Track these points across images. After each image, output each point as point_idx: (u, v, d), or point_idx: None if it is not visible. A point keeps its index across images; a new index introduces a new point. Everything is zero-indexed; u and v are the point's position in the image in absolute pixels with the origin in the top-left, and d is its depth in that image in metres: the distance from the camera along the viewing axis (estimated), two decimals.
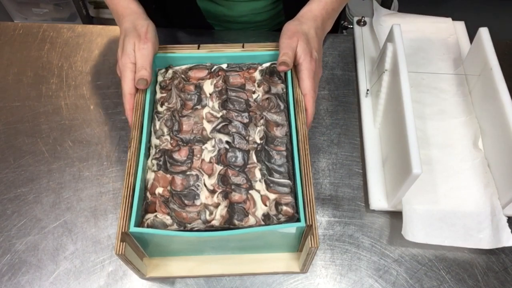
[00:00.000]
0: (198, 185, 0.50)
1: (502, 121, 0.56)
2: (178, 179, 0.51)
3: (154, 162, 0.52)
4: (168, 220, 0.48)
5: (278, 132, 0.54)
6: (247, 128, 0.54)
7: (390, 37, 0.62)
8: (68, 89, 0.70)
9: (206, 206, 0.49)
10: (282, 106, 0.56)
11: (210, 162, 0.52)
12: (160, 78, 0.59)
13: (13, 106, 0.68)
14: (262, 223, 0.48)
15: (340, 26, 0.83)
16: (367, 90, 0.68)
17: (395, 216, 0.59)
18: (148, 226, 0.47)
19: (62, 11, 1.69)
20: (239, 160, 0.52)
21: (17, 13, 1.70)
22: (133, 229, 0.45)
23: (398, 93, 0.56)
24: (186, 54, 0.59)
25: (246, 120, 0.55)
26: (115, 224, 0.58)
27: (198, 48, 0.59)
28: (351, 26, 0.78)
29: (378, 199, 0.59)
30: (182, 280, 0.54)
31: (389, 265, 0.55)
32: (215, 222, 0.48)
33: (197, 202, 0.49)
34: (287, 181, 0.50)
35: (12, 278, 0.54)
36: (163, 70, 0.59)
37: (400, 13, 0.80)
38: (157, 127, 0.54)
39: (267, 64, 0.59)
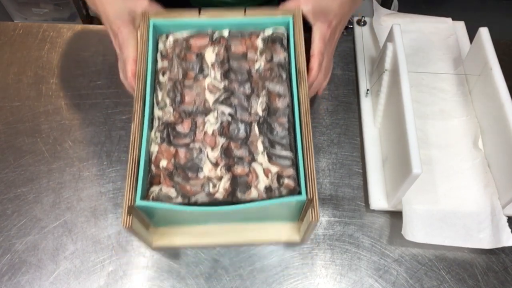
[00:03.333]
0: (201, 158, 0.51)
1: (502, 121, 0.56)
2: (182, 152, 0.51)
3: (158, 134, 0.52)
4: (172, 193, 0.49)
5: (280, 103, 0.54)
6: (250, 100, 0.54)
7: (390, 37, 0.62)
8: (68, 89, 0.70)
9: (209, 179, 0.50)
10: (284, 76, 0.55)
11: (212, 134, 0.52)
12: (161, 46, 0.58)
13: (13, 106, 0.68)
14: (264, 196, 0.49)
15: None
16: (367, 90, 0.68)
17: (395, 216, 0.59)
18: (153, 199, 0.48)
19: (62, 11, 1.69)
20: (242, 133, 0.52)
21: (17, 13, 1.70)
22: (139, 202, 0.46)
23: (398, 93, 0.56)
24: (186, 20, 0.57)
25: (248, 91, 0.54)
26: (115, 224, 0.58)
27: (199, 14, 0.57)
28: (351, 26, 0.78)
29: (378, 199, 0.59)
30: (182, 280, 0.54)
31: (389, 265, 0.55)
32: (218, 195, 0.49)
33: (201, 175, 0.50)
34: (289, 154, 0.51)
35: (12, 278, 0.54)
36: (164, 37, 0.58)
37: (400, 13, 0.80)
38: (160, 98, 0.54)
39: (270, 31, 0.58)
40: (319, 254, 0.56)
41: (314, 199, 0.46)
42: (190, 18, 0.57)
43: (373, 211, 0.59)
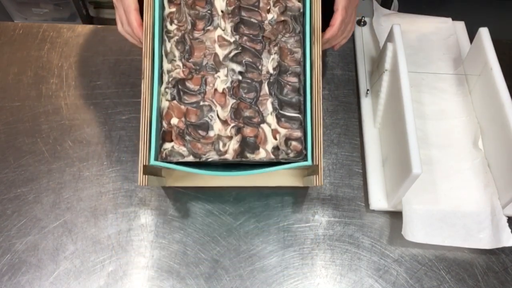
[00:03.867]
0: (212, 116, 0.52)
1: (502, 121, 0.56)
2: (192, 110, 0.52)
3: (168, 91, 0.52)
4: (184, 151, 0.51)
5: (292, 61, 0.53)
6: (261, 55, 0.53)
7: (390, 37, 0.62)
8: (68, 89, 0.70)
9: (219, 137, 0.51)
10: (297, 30, 0.53)
11: (222, 93, 0.52)
12: None
13: (13, 106, 0.68)
14: (272, 156, 0.51)
15: None
16: (367, 90, 0.68)
17: (395, 216, 0.59)
18: (166, 156, 0.51)
19: (62, 11, 1.69)
20: (252, 92, 0.52)
21: (17, 13, 1.70)
22: (153, 162, 0.50)
23: (398, 93, 0.56)
24: None
25: (259, 47, 0.53)
26: (115, 224, 0.58)
27: None
28: None
29: (378, 199, 0.59)
30: (182, 280, 0.54)
31: (389, 265, 0.55)
32: (228, 156, 0.51)
33: (211, 133, 0.52)
34: (297, 115, 0.52)
35: (12, 278, 0.54)
36: None
37: (400, 13, 0.80)
38: (168, 49, 0.53)
39: None
40: (319, 254, 0.56)
41: (319, 165, 0.49)
42: None
43: (373, 211, 0.59)
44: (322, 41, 0.54)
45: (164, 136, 0.52)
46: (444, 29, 0.76)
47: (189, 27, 0.53)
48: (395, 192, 0.55)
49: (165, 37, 0.53)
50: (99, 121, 0.67)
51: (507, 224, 0.55)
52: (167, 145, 0.51)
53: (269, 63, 0.53)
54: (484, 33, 0.63)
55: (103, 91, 0.70)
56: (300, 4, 0.54)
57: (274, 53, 0.53)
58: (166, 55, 0.53)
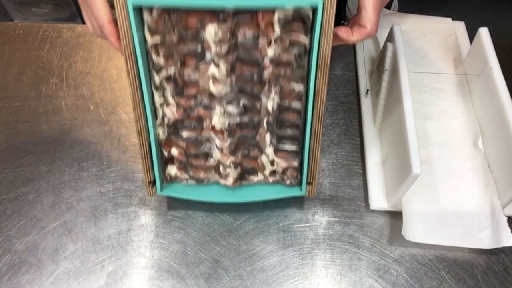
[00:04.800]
0: (211, 147, 0.53)
1: (502, 121, 0.56)
2: (191, 143, 0.52)
3: (166, 129, 0.52)
4: (186, 176, 0.55)
5: (293, 97, 0.48)
6: (259, 96, 0.49)
7: (390, 37, 0.62)
8: (68, 89, 0.70)
9: (220, 162, 0.53)
10: (303, 68, 0.46)
11: (220, 130, 0.51)
12: (147, 19, 0.44)
13: (13, 106, 0.68)
14: (269, 179, 0.55)
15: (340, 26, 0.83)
16: (367, 90, 0.68)
17: (395, 216, 0.59)
18: (169, 179, 0.55)
19: (62, 11, 1.69)
20: (250, 130, 0.52)
21: (17, 13, 1.70)
22: (159, 193, 0.54)
23: (398, 93, 0.56)
24: None
25: (258, 88, 0.48)
26: (115, 224, 0.58)
27: None
28: None
29: (378, 199, 0.59)
30: (182, 280, 0.54)
31: (389, 265, 0.55)
32: (228, 183, 0.54)
33: (211, 161, 0.54)
34: (295, 148, 0.52)
35: (12, 278, 0.54)
36: (148, 10, 0.44)
37: (400, 13, 0.80)
38: (158, 84, 0.48)
39: (290, 9, 0.43)
40: (319, 254, 0.56)
41: (313, 182, 0.53)
42: None
43: (373, 211, 0.59)
44: (347, 40, 0.48)
45: (166, 160, 0.53)
46: (444, 29, 0.76)
47: (179, 64, 0.47)
48: (395, 192, 0.55)
49: (153, 72, 0.47)
50: (99, 121, 0.67)
51: (507, 224, 0.55)
52: (170, 170, 0.54)
53: (268, 103, 0.49)
54: (484, 33, 0.63)
55: (103, 91, 0.70)
56: (306, 39, 0.45)
57: (274, 93, 0.48)
58: (156, 89, 0.48)
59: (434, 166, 0.61)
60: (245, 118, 0.50)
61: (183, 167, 0.54)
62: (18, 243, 0.56)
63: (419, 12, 0.79)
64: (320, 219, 0.59)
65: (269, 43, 0.45)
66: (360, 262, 0.55)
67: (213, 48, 0.45)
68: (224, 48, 0.45)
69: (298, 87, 0.48)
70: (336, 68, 0.73)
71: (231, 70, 0.47)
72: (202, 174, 0.54)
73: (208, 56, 0.46)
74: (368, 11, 0.47)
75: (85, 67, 0.73)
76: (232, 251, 0.56)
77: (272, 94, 0.49)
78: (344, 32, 0.49)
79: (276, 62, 0.47)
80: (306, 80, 0.48)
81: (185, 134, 0.52)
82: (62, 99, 0.69)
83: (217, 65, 0.46)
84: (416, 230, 0.55)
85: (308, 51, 0.46)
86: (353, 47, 0.75)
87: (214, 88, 0.48)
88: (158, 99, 0.49)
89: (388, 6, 0.82)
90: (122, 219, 0.58)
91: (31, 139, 0.65)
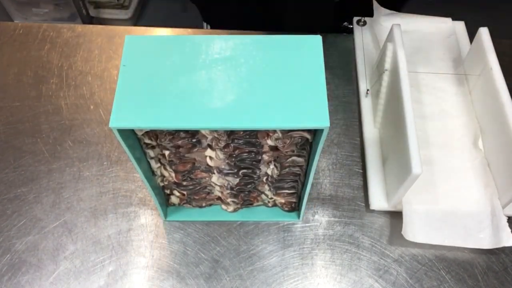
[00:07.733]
0: (211, 190, 0.55)
1: (502, 121, 0.56)
2: (191, 191, 0.54)
3: (165, 183, 0.54)
4: (189, 206, 0.58)
5: (294, 166, 0.49)
6: (259, 165, 0.49)
7: (390, 37, 0.62)
8: (68, 89, 0.70)
9: (221, 198, 0.56)
10: (304, 150, 0.46)
11: (221, 185, 0.53)
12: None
13: (13, 106, 0.68)
14: (269, 205, 0.58)
15: (341, 27, 0.83)
16: (367, 90, 0.68)
17: (395, 216, 0.59)
18: (173, 205, 0.58)
19: (62, 11, 1.69)
20: (249, 185, 0.53)
21: (17, 13, 1.70)
22: (168, 218, 0.58)
23: (398, 93, 0.56)
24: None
25: (257, 160, 0.48)
26: (115, 224, 0.58)
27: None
28: (351, 26, 0.78)
29: (378, 199, 0.59)
30: (182, 280, 0.54)
31: (389, 265, 0.55)
32: (229, 210, 0.58)
33: (212, 195, 0.56)
34: (294, 191, 0.54)
35: (12, 278, 0.54)
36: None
37: (400, 13, 0.80)
38: (153, 155, 0.47)
39: (299, 135, 0.43)
40: (319, 254, 0.56)
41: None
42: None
43: (373, 211, 0.59)
44: None
45: (167, 188, 0.55)
46: (444, 29, 0.76)
47: (173, 150, 0.46)
48: (395, 192, 0.55)
49: (146, 150, 0.46)
50: (99, 121, 0.67)
51: (507, 224, 0.55)
52: (173, 199, 0.57)
53: (268, 170, 0.50)
54: (484, 33, 0.63)
55: (103, 91, 0.70)
56: (309, 135, 0.43)
57: (274, 166, 0.49)
58: (151, 159, 0.47)
59: (434, 166, 0.61)
60: (245, 179, 0.52)
61: (186, 202, 0.57)
62: (18, 243, 0.56)
63: (419, 12, 0.79)
64: (320, 219, 0.59)
65: (268, 136, 0.44)
66: (360, 262, 0.55)
67: (209, 136, 0.44)
68: (222, 143, 0.44)
69: (299, 158, 0.47)
70: (336, 68, 0.73)
71: (229, 157, 0.46)
72: (204, 203, 0.57)
73: (204, 143, 0.45)
74: None
75: (85, 67, 0.73)
76: (232, 251, 0.56)
77: (272, 166, 0.49)
78: None
79: (276, 148, 0.46)
80: (307, 159, 0.47)
81: (185, 183, 0.53)
82: (62, 99, 0.69)
83: (214, 150, 0.45)
84: (416, 230, 0.55)
85: (311, 143, 0.45)
86: (353, 47, 0.75)
87: (212, 163, 0.48)
88: (154, 165, 0.49)
89: (398, 8, 0.82)
90: (122, 219, 0.58)
91: (31, 139, 0.65)
